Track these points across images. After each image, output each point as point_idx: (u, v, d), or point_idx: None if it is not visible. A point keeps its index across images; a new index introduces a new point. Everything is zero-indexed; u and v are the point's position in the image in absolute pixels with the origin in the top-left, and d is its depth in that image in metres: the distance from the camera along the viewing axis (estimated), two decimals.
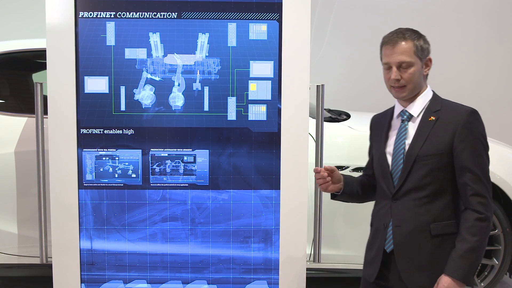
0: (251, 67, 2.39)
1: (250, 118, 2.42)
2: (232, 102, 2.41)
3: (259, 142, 2.42)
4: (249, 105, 2.41)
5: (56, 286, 2.43)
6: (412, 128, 2.01)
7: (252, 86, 2.40)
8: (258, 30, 2.38)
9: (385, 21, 5.97)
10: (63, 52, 2.35)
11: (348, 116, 3.78)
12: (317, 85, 2.52)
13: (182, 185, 2.44)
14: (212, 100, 2.40)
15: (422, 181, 1.96)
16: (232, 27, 2.37)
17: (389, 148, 2.06)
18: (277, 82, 2.39)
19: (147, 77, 2.38)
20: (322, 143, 2.53)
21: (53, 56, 2.35)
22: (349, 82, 5.52)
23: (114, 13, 2.35)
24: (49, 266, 2.51)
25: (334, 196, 2.20)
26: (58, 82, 2.36)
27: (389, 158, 2.05)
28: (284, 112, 2.40)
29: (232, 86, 2.40)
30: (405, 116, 2.04)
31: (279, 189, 2.43)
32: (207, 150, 2.42)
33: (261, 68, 2.39)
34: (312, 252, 2.64)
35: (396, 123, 2.08)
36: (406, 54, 1.97)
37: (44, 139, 2.52)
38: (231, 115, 2.41)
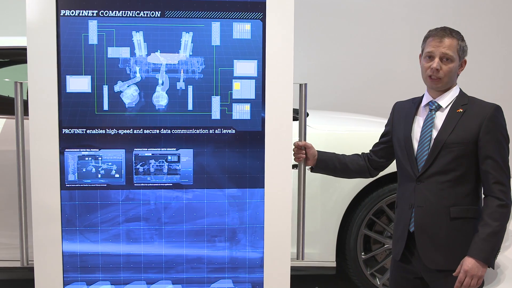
0: (235, 66, 2.40)
1: (234, 117, 2.42)
2: (216, 101, 2.41)
3: (243, 141, 2.42)
4: (233, 104, 2.41)
5: None
6: (439, 117, 2.21)
7: (236, 85, 2.41)
8: (242, 29, 2.39)
9: (347, 22, 6.09)
10: (44, 51, 2.30)
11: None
12: (300, 84, 2.53)
13: (166, 184, 2.43)
14: (196, 99, 2.40)
15: (447, 167, 2.15)
16: (215, 26, 2.37)
17: (416, 134, 2.26)
18: (261, 81, 2.40)
19: (136, 80, 2.36)
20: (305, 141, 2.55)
21: (34, 55, 2.30)
22: (313, 81, 5.60)
23: (97, 11, 2.32)
24: (29, 269, 2.47)
25: (311, 169, 2.57)
26: (39, 82, 2.31)
27: (415, 143, 2.25)
28: (268, 111, 2.41)
29: (216, 85, 2.40)
30: (433, 106, 2.23)
31: (263, 187, 2.44)
32: (191, 150, 2.42)
33: (245, 67, 2.40)
34: (296, 250, 2.65)
35: (422, 111, 2.28)
36: (451, 49, 2.16)
37: (23, 140, 2.47)
38: (215, 114, 2.41)
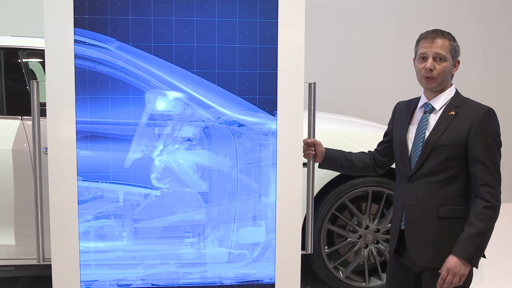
0: (247, 64, 2.43)
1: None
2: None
3: (256, 139, 2.48)
4: (244, 101, 2.46)
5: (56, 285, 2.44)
6: (433, 119, 2.26)
7: (248, 82, 2.44)
8: (255, 29, 2.41)
9: (348, 26, 6.16)
10: (62, 52, 2.33)
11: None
12: (309, 83, 2.60)
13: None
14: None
15: (437, 168, 2.20)
16: (230, 25, 2.41)
17: (411, 135, 2.32)
18: (273, 79, 2.43)
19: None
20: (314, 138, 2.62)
21: (52, 57, 2.33)
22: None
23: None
24: (44, 266, 2.51)
25: (319, 165, 2.66)
26: (57, 83, 2.33)
27: (409, 144, 2.31)
28: (280, 109, 2.45)
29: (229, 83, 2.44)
30: (427, 108, 2.28)
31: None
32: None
33: (258, 66, 2.43)
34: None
35: (418, 113, 2.33)
36: (443, 49, 2.21)
37: (40, 139, 2.52)
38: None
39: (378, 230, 3.51)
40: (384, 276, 3.52)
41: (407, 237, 2.27)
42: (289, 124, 2.48)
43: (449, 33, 2.25)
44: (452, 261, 2.12)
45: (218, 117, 2.45)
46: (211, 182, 2.49)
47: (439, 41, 2.20)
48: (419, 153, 2.24)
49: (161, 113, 2.43)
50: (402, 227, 2.30)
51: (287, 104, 2.47)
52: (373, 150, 2.64)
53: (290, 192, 2.51)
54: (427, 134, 2.23)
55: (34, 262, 2.60)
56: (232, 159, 2.48)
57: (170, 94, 2.42)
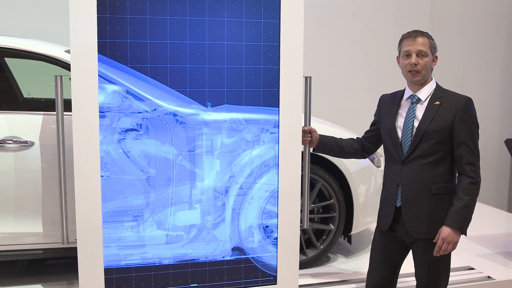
0: (253, 60, 2.68)
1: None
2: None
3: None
4: (250, 93, 2.71)
5: (81, 266, 2.58)
6: (419, 109, 2.55)
7: (254, 77, 2.69)
8: (261, 29, 2.67)
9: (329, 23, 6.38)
10: (86, 50, 2.44)
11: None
12: (305, 77, 2.85)
13: None
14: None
15: (428, 151, 2.49)
16: (242, 26, 2.65)
17: (399, 124, 2.60)
18: (275, 74, 2.71)
19: None
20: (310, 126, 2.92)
21: (77, 53, 2.42)
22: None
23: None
24: (66, 249, 2.69)
25: (313, 150, 2.97)
26: (81, 79, 2.43)
27: (399, 131, 2.59)
28: (282, 100, 2.73)
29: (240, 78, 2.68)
30: (414, 99, 2.58)
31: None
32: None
33: (263, 62, 2.70)
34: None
35: (405, 104, 2.62)
36: (425, 46, 2.52)
37: (64, 132, 2.64)
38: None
39: (301, 211, 3.79)
40: (308, 252, 3.79)
41: (404, 213, 2.54)
42: (290, 114, 2.76)
43: (427, 33, 2.56)
44: (446, 231, 2.42)
45: (155, 109, 2.60)
46: (154, 169, 2.64)
47: (420, 39, 2.51)
48: (410, 138, 2.52)
49: (103, 105, 2.52)
50: (398, 205, 2.57)
51: (288, 96, 2.73)
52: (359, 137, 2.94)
53: (291, 174, 2.80)
54: (415, 122, 2.52)
55: (59, 245, 2.76)
56: (172, 147, 2.65)
57: (109, 87, 2.52)
